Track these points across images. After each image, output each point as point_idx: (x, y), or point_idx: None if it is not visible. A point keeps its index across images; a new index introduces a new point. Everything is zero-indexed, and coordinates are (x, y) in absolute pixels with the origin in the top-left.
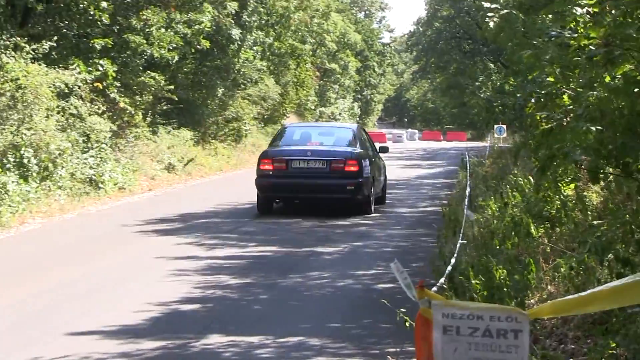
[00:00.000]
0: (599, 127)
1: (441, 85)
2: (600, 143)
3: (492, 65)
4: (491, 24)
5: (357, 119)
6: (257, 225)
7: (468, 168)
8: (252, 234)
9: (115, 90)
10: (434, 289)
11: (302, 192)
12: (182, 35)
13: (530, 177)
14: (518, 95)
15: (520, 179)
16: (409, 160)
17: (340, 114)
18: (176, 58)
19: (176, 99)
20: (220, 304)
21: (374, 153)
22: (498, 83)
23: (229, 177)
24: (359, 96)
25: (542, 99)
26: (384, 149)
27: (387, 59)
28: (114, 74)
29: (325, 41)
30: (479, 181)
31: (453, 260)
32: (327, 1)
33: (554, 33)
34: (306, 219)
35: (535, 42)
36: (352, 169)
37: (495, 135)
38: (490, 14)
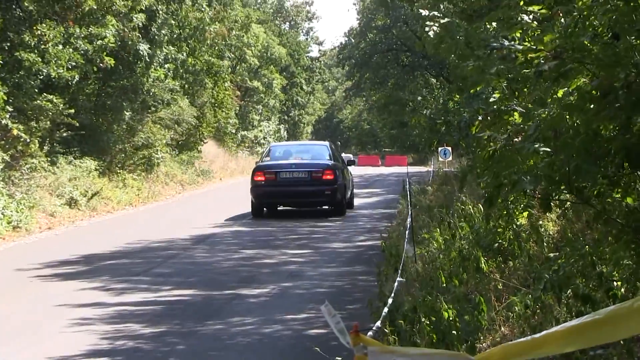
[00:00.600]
0: (547, 150)
1: (378, 103)
2: (552, 167)
3: (434, 80)
4: (431, 34)
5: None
6: (172, 266)
7: (409, 196)
8: (167, 276)
9: (7, 116)
10: (370, 333)
11: (289, 197)
12: (82, 52)
13: (479, 205)
14: (464, 113)
15: (468, 207)
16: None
17: (264, 137)
18: (76, 78)
19: (77, 124)
20: (131, 357)
21: (344, 165)
22: (441, 100)
23: (139, 213)
24: (286, 117)
25: (488, 117)
26: (351, 162)
27: (317, 75)
28: (5, 97)
29: (245, 56)
30: (423, 211)
31: (390, 301)
32: (247, 11)
33: (495, 45)
34: (228, 257)
35: (479, 53)
36: (329, 177)
37: (440, 159)
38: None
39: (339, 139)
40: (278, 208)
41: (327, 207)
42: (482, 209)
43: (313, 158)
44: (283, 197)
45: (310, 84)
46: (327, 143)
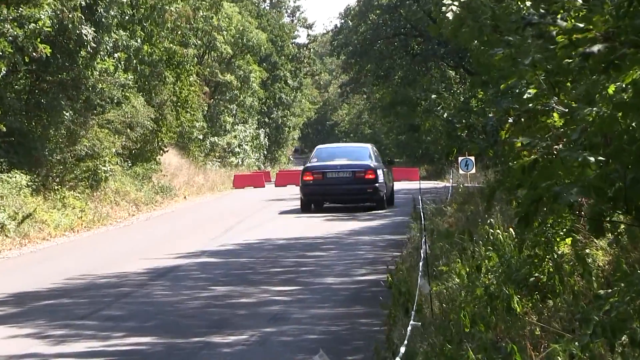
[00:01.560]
0: (601, 158)
1: (382, 101)
2: (603, 180)
3: (452, 73)
4: (449, 15)
5: (264, 151)
6: (124, 307)
7: (422, 219)
8: (118, 320)
9: None
10: None
11: (335, 195)
12: (10, 38)
13: (510, 230)
14: (490, 114)
15: (496, 232)
16: (338, 210)
17: (240, 145)
18: (3, 71)
19: (4, 129)
20: None
21: (384, 165)
22: (462, 97)
23: (83, 240)
24: (266, 120)
25: (522, 119)
26: (392, 162)
27: (305, 66)
28: None
29: (215, 43)
30: (440, 237)
31: (403, 350)
32: None
33: (532, 18)
34: (195, 296)
35: (509, 38)
36: (370, 176)
37: (461, 172)
38: (447, 2)
39: None
40: (324, 205)
41: (369, 203)
42: (513, 233)
43: (356, 159)
44: (329, 195)
45: (297, 77)
46: (368, 145)
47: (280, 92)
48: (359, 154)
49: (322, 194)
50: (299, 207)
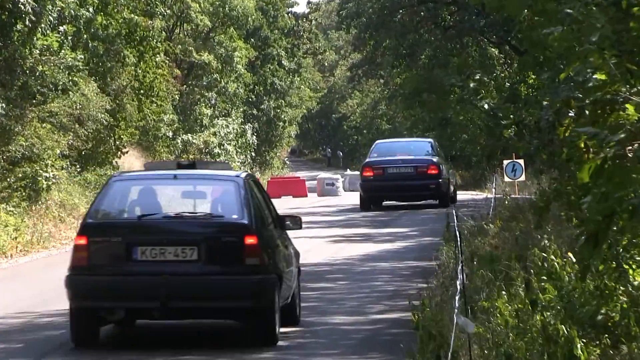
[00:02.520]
0: None
1: (404, 88)
2: None
3: (495, 52)
4: None
5: (252, 152)
6: (72, 356)
7: (458, 240)
8: None
9: None
10: None
11: (396, 191)
12: None
13: (570, 254)
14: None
15: (553, 256)
16: (349, 226)
17: (221, 144)
18: None
19: None
20: None
21: (447, 161)
22: (508, 83)
23: (19, 267)
24: (255, 112)
25: (587, 111)
26: (454, 158)
27: (305, 43)
28: None
29: (189, 12)
30: (480, 263)
31: None
32: None
33: None
34: (165, 340)
35: (570, 8)
36: (433, 172)
37: (506, 179)
38: None
39: (341, 147)
40: (383, 203)
41: (432, 200)
42: (575, 259)
43: (417, 154)
44: (390, 191)
45: (294, 57)
46: (430, 140)
47: (272, 77)
48: (421, 148)
49: (382, 191)
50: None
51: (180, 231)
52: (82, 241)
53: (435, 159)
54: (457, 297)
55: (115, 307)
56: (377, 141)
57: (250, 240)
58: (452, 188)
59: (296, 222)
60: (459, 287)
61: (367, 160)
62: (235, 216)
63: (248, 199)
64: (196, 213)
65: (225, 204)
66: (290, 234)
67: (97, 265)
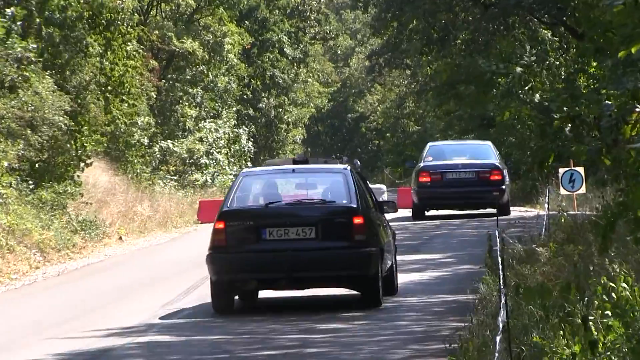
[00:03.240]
0: None
1: (436, 79)
2: None
3: (547, 34)
4: None
5: (248, 162)
6: None
7: (502, 268)
8: None
9: None
10: None
11: (455, 199)
12: None
13: None
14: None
15: (621, 286)
16: None
17: (209, 153)
18: None
19: None
20: None
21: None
22: (563, 72)
23: None
24: (251, 112)
25: None
26: (508, 162)
27: (312, 25)
28: None
29: None
30: (530, 296)
31: None
32: None
33: None
34: None
35: None
36: (497, 177)
37: (562, 191)
38: None
39: (358, 154)
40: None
41: (492, 209)
42: None
43: (478, 157)
44: (449, 199)
45: (299, 44)
46: (488, 142)
47: (272, 68)
48: (481, 151)
49: (441, 198)
50: None
51: (300, 215)
52: (221, 225)
53: (498, 164)
54: (498, 339)
55: (249, 279)
56: (430, 143)
57: (357, 220)
58: (508, 197)
59: (392, 206)
60: (500, 326)
61: (422, 164)
62: (344, 201)
63: (354, 186)
64: (312, 199)
65: (335, 191)
66: None
67: (233, 244)
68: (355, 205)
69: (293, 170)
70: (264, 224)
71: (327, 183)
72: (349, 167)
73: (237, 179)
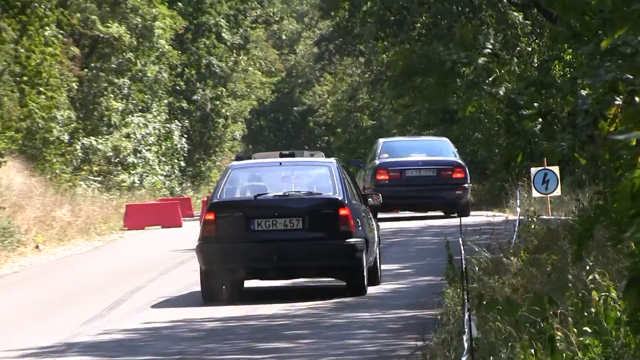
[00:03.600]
0: None
1: (392, 68)
2: None
3: (518, 17)
4: None
5: (181, 161)
6: None
7: (465, 279)
8: None
9: None
10: None
11: (415, 198)
12: None
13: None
14: (582, 89)
15: (598, 299)
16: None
17: (137, 151)
18: None
19: None
20: None
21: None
22: (535, 60)
23: None
24: (185, 106)
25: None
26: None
27: (253, 7)
28: None
29: None
30: (497, 310)
31: None
32: None
33: None
34: None
35: None
36: (459, 175)
37: (535, 193)
38: None
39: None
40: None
41: (452, 213)
42: (624, 305)
43: (437, 154)
44: (409, 199)
45: (239, 28)
46: (446, 139)
47: (209, 56)
48: (439, 148)
49: (400, 197)
50: None
51: (287, 206)
52: (211, 217)
53: (460, 161)
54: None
55: (238, 268)
56: (382, 140)
57: (343, 211)
58: (468, 198)
59: (376, 199)
60: (465, 345)
61: (379, 161)
62: (330, 193)
63: (339, 179)
64: (300, 192)
65: (321, 184)
66: None
67: (222, 235)
68: (341, 198)
69: (280, 164)
70: (253, 215)
71: (313, 176)
72: (334, 161)
73: (226, 172)
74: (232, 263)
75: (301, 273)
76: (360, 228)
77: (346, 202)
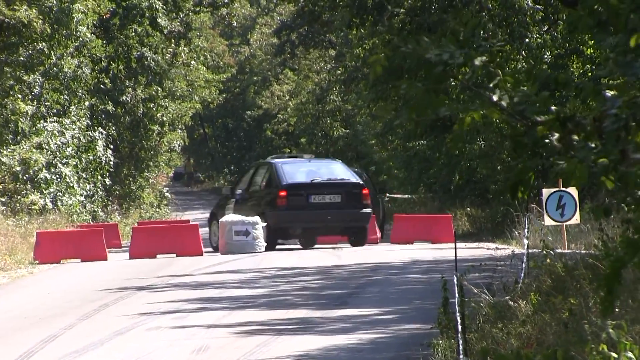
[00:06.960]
0: None
1: (371, 72)
2: None
3: (527, 1)
4: None
5: (105, 178)
6: None
7: (461, 329)
8: None
9: None
10: None
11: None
12: None
13: None
14: (608, 90)
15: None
16: (275, 306)
17: (51, 164)
18: None
19: None
20: None
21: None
22: (548, 55)
23: None
24: (111, 109)
25: None
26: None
27: None
28: None
29: None
30: None
31: None
32: None
33: None
34: None
35: None
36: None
37: (548, 221)
38: None
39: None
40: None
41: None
42: None
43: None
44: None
45: (179, 12)
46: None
47: (141, 46)
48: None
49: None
50: (180, 299)
51: (331, 187)
52: (284, 193)
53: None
54: None
55: (300, 226)
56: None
57: (365, 191)
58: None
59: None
60: None
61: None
62: (354, 180)
63: (351, 171)
64: (337, 178)
65: (342, 174)
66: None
67: (290, 205)
68: (362, 182)
69: (309, 161)
70: (310, 192)
71: (333, 169)
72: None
73: (276, 164)
74: (297, 223)
75: (336, 231)
76: (371, 202)
77: (364, 185)
